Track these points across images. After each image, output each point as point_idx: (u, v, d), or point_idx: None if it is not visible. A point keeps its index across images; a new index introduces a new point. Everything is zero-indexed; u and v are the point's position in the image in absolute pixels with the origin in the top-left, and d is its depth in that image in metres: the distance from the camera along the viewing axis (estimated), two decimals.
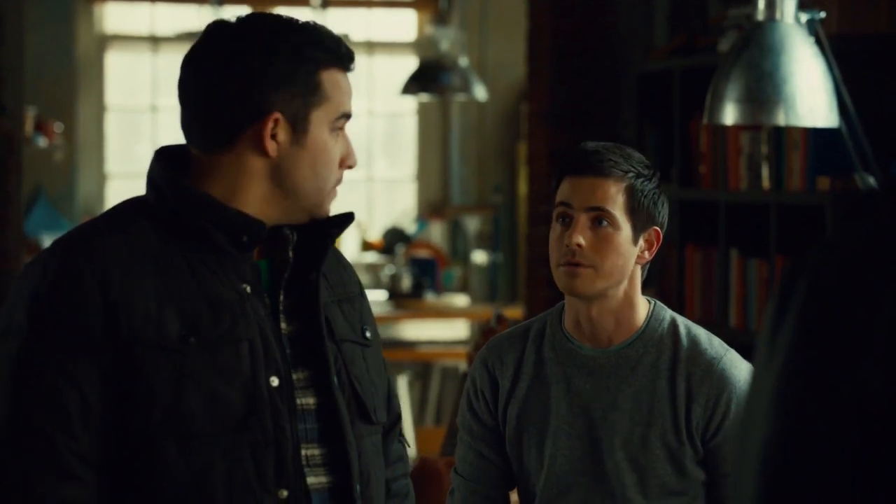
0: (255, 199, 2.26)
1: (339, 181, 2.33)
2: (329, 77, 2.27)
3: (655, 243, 2.77)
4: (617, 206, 2.71)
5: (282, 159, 2.26)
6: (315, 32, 2.28)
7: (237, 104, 2.24)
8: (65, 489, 2.14)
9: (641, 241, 2.75)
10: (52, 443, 2.14)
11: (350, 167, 2.32)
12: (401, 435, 2.53)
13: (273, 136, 2.24)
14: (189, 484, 2.17)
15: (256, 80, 2.24)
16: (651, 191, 2.74)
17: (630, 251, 2.73)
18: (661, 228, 2.78)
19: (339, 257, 2.48)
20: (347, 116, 2.30)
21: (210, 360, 2.19)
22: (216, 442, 2.18)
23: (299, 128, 2.25)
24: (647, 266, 2.79)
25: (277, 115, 2.24)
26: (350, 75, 2.32)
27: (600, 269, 2.70)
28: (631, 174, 2.72)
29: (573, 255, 2.70)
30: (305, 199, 2.28)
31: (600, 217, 2.71)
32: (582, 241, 2.69)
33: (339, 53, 2.28)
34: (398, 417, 2.52)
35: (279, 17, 2.29)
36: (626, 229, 2.72)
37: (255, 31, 2.27)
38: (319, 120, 2.26)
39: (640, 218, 2.73)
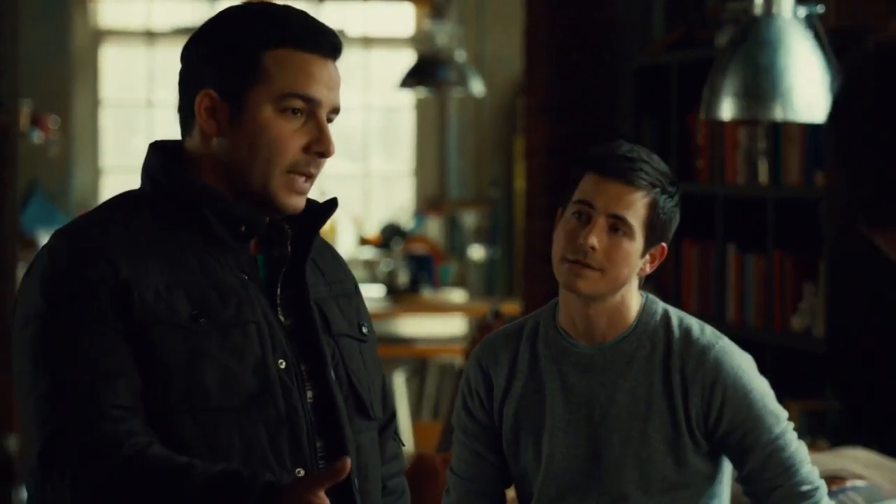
0: (219, 184, 2.25)
1: (300, 167, 2.25)
2: (275, 56, 2.23)
3: (658, 258, 2.75)
4: (637, 218, 2.68)
5: (222, 139, 2.24)
6: (272, 12, 2.25)
7: (181, 84, 2.26)
8: (129, 422, 2.14)
9: (647, 255, 2.73)
10: (93, 389, 2.13)
11: (321, 154, 2.25)
12: (396, 433, 2.52)
13: (213, 116, 2.23)
14: (208, 461, 2.16)
15: (198, 59, 2.25)
16: (671, 209, 2.71)
17: (636, 263, 2.71)
18: (667, 245, 2.76)
19: (334, 253, 2.47)
20: (303, 98, 2.24)
21: (221, 340, 2.19)
22: (232, 419, 2.18)
23: (236, 106, 2.22)
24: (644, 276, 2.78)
25: (210, 91, 2.22)
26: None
27: (607, 273, 2.68)
28: (657, 188, 2.68)
29: (584, 255, 2.67)
30: (251, 182, 2.24)
31: (618, 225, 2.68)
32: (597, 243, 2.67)
33: (291, 32, 2.24)
34: (393, 415, 2.51)
35: (265, 3, 2.28)
36: (639, 241, 2.69)
37: (228, 14, 2.28)
38: (259, 99, 2.22)
39: (655, 233, 2.71)
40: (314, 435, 2.24)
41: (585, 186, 2.71)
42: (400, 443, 2.55)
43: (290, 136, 2.23)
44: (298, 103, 2.23)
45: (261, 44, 2.22)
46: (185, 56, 2.28)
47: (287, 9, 2.26)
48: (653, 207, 2.69)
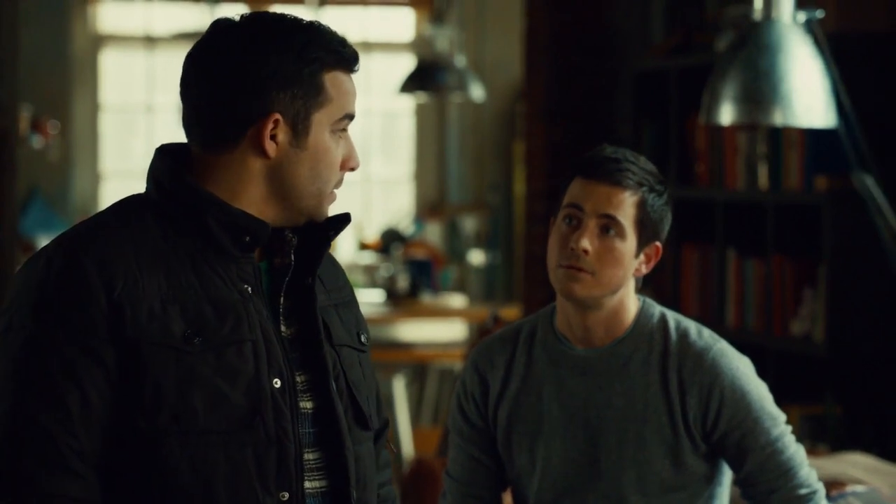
0: (254, 199, 2.24)
1: (339, 183, 2.30)
2: (332, 79, 2.25)
3: (654, 258, 2.76)
4: (627, 218, 2.69)
5: (281, 161, 2.24)
6: (320, 33, 2.25)
7: (239, 104, 2.22)
8: (69, 486, 2.13)
9: (642, 255, 2.74)
10: (54, 440, 2.13)
11: (352, 169, 2.30)
12: (388, 441, 2.51)
13: (273, 138, 2.22)
14: (192, 483, 2.16)
15: (258, 81, 2.21)
16: (660, 207, 2.73)
17: (630, 263, 2.72)
18: (662, 244, 2.76)
19: (332, 260, 2.45)
20: (350, 118, 2.28)
21: (214, 360, 2.17)
22: (219, 442, 2.16)
23: (300, 130, 2.23)
24: (642, 277, 2.78)
25: (277, 116, 2.21)
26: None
27: (600, 276, 2.69)
28: (645, 187, 2.70)
29: (577, 259, 2.68)
30: (304, 201, 2.26)
31: (609, 225, 2.69)
32: (589, 246, 2.68)
33: (343, 55, 2.26)
34: (386, 423, 2.51)
35: (284, 16, 2.26)
36: (631, 241, 2.70)
37: (261, 31, 2.24)
38: (321, 122, 2.24)
39: (646, 232, 2.72)
40: (301, 456, 2.23)
41: (574, 191, 2.72)
42: (391, 450, 2.54)
43: (339, 156, 2.27)
44: (346, 123, 2.27)
45: (321, 67, 2.24)
46: (239, 70, 2.22)
47: (321, 25, 2.26)
48: (642, 206, 2.70)
